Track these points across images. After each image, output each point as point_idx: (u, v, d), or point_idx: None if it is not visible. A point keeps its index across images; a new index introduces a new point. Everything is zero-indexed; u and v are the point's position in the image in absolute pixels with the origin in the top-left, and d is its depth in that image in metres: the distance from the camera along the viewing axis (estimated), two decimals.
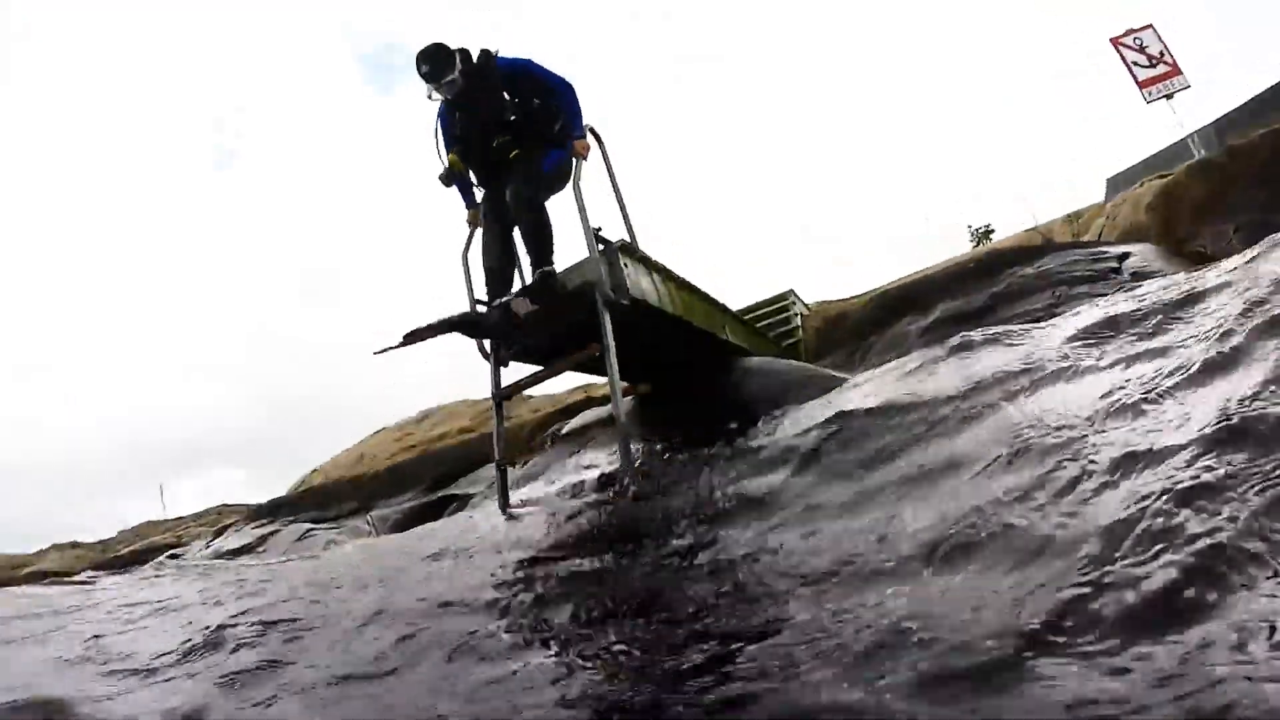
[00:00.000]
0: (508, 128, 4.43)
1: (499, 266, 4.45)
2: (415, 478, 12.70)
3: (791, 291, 11.20)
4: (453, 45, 4.44)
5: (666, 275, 4.66)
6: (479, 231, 4.64)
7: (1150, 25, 16.15)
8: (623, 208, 4.52)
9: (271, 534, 12.04)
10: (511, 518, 3.93)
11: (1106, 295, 7.12)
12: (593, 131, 4.51)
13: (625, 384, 5.70)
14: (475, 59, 4.44)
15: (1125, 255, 8.68)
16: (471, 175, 4.70)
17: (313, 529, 11.07)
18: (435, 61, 4.36)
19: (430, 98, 4.44)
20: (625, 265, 4.09)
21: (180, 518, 22.16)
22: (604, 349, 3.77)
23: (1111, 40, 16.22)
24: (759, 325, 9.16)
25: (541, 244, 4.22)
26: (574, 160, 4.34)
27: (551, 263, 4.16)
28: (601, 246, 4.03)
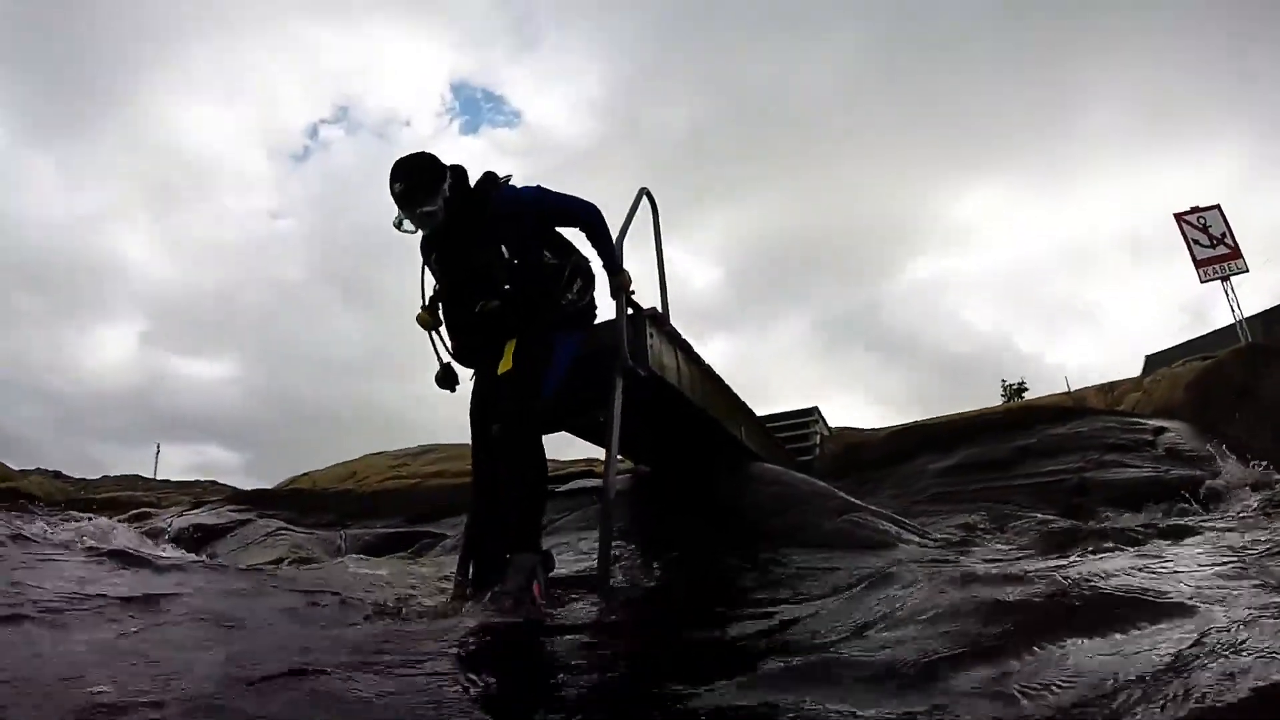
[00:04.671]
0: (497, 291, 3.24)
1: (478, 539, 3.31)
2: (398, 507, 12.45)
3: (816, 409, 10.98)
4: (447, 160, 3.34)
5: (692, 357, 4.40)
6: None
7: (1217, 206, 15.98)
8: (662, 277, 4.26)
9: (244, 523, 11.84)
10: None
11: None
12: (648, 195, 4.16)
13: (627, 461, 5.46)
14: (474, 186, 3.36)
15: (1161, 429, 8.36)
16: (445, 341, 3.50)
17: (284, 528, 10.84)
18: (414, 179, 3.22)
19: (399, 227, 3.29)
20: (651, 335, 3.81)
21: (166, 481, 22.18)
22: (608, 416, 3.38)
23: (1175, 215, 16.03)
24: (777, 435, 8.87)
25: (527, 517, 3.03)
26: (621, 297, 3.54)
27: (537, 543, 3.01)
28: (630, 310, 3.70)
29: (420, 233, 3.36)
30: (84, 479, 22.07)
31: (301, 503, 14.76)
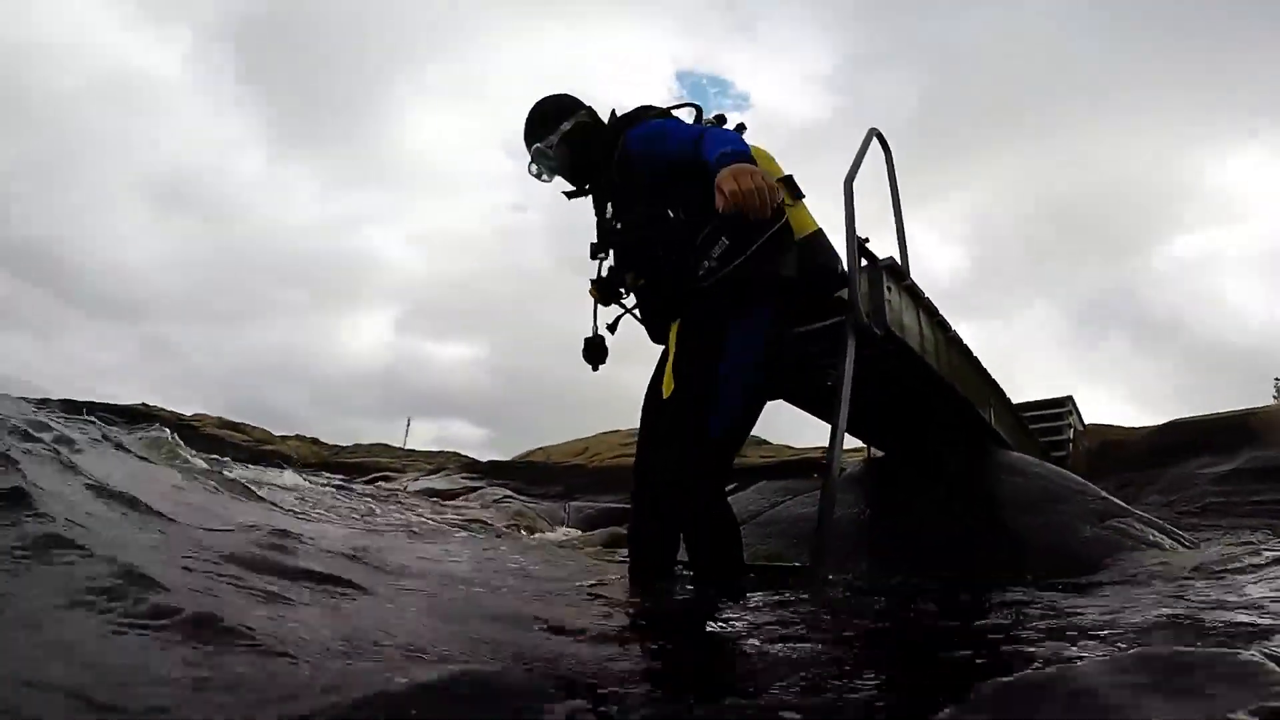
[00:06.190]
0: (633, 258, 2.63)
1: (650, 556, 2.58)
2: (626, 483, 12.62)
3: (1070, 399, 9.85)
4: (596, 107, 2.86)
5: (937, 321, 3.79)
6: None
7: None
8: (900, 226, 3.64)
9: (474, 489, 12.44)
10: None
11: None
12: (878, 136, 3.57)
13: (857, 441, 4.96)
14: (608, 124, 2.83)
15: None
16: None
17: (510, 496, 11.22)
18: (532, 115, 2.84)
19: (537, 176, 2.87)
20: (889, 290, 3.22)
21: (412, 451, 23.94)
22: (837, 382, 2.86)
23: None
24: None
25: (717, 556, 2.43)
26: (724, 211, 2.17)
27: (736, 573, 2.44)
28: (865, 261, 3.16)
29: (548, 180, 2.89)
30: (338, 445, 24.17)
31: (532, 474, 15.55)
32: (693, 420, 2.39)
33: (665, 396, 2.46)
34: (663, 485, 2.44)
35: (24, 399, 5.12)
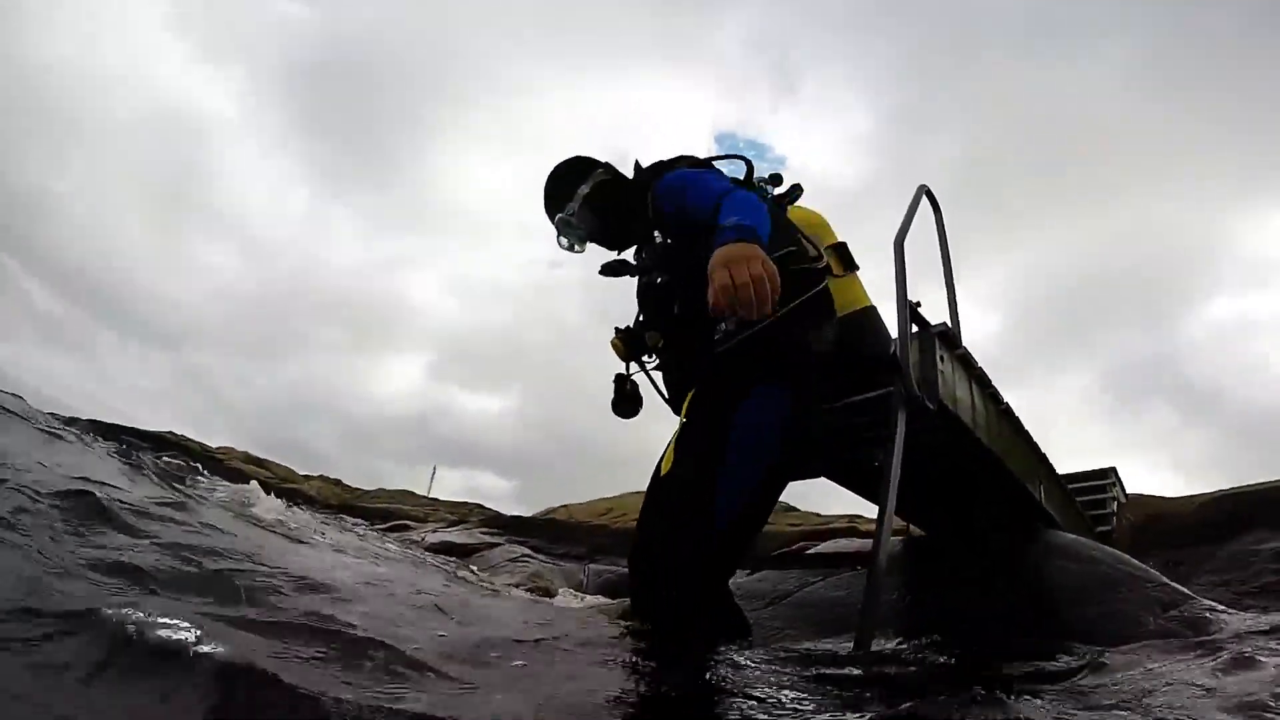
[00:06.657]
0: (658, 316, 2.42)
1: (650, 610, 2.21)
2: None
3: (1114, 470, 9.43)
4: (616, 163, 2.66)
5: (988, 392, 3.50)
6: None
7: None
8: (951, 289, 3.40)
9: (492, 545, 12.18)
10: None
11: None
12: (928, 193, 3.31)
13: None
14: (633, 178, 2.63)
15: None
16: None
17: (528, 555, 10.95)
18: (549, 185, 2.62)
19: (569, 248, 2.62)
20: (941, 359, 2.93)
21: (435, 500, 23.70)
22: (885, 462, 2.55)
23: None
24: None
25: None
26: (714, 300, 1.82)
27: None
28: (916, 328, 2.87)
29: (581, 251, 2.64)
30: (360, 489, 23.99)
31: (554, 532, 15.22)
32: (690, 507, 2.08)
33: (662, 474, 2.18)
34: (659, 573, 2.14)
35: (53, 414, 4.92)
